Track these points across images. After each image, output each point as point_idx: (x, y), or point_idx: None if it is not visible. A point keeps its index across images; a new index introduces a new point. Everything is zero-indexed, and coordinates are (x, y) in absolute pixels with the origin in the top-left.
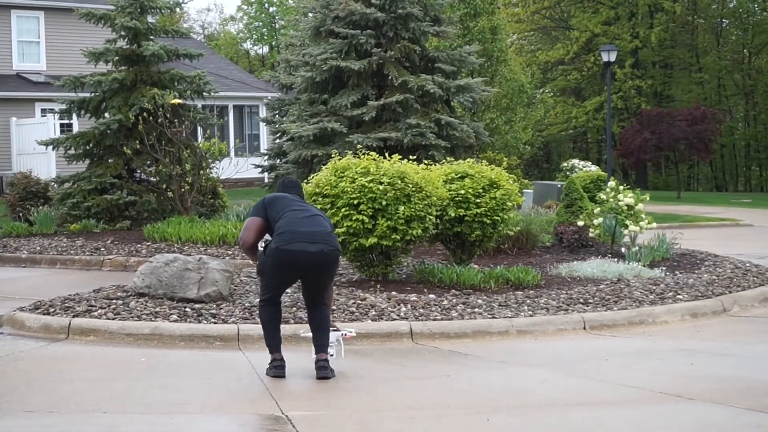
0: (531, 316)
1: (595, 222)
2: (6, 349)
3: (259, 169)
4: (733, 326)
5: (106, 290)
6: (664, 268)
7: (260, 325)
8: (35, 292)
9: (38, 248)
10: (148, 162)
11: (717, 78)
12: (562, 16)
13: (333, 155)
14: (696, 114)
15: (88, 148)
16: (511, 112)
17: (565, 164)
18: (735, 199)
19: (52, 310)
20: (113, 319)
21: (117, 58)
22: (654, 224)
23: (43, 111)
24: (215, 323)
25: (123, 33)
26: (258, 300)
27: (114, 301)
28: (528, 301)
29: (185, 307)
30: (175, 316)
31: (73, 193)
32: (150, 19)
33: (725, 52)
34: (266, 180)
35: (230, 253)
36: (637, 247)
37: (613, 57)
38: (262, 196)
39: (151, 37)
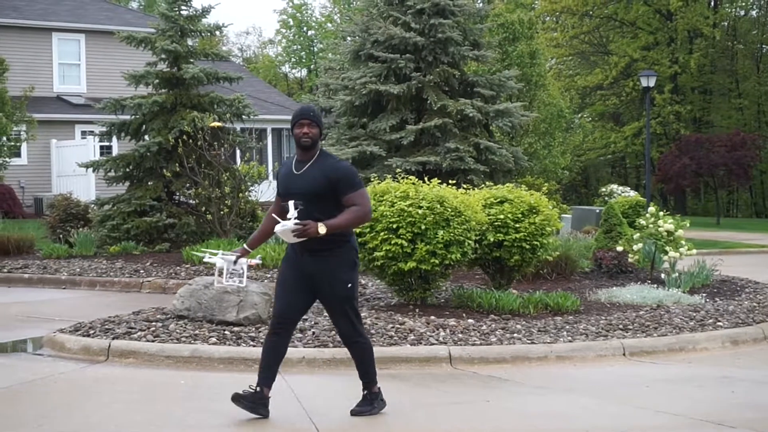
0: (570, 341)
1: (635, 248)
2: (46, 370)
3: None
4: None
5: (145, 312)
6: (704, 294)
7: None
8: (75, 313)
9: (78, 270)
10: (188, 185)
11: (757, 104)
12: (600, 41)
13: (372, 179)
14: (735, 140)
15: (127, 170)
16: (550, 137)
17: (603, 189)
18: None
19: (91, 331)
20: (153, 341)
21: (157, 80)
22: (694, 250)
23: (83, 133)
24: (254, 346)
25: (163, 56)
26: (359, 330)
27: (153, 323)
28: (567, 327)
29: (224, 330)
30: (214, 339)
31: (112, 215)
32: (190, 42)
33: (765, 78)
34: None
35: (269, 276)
36: (676, 273)
37: (652, 82)
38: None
39: (191, 60)
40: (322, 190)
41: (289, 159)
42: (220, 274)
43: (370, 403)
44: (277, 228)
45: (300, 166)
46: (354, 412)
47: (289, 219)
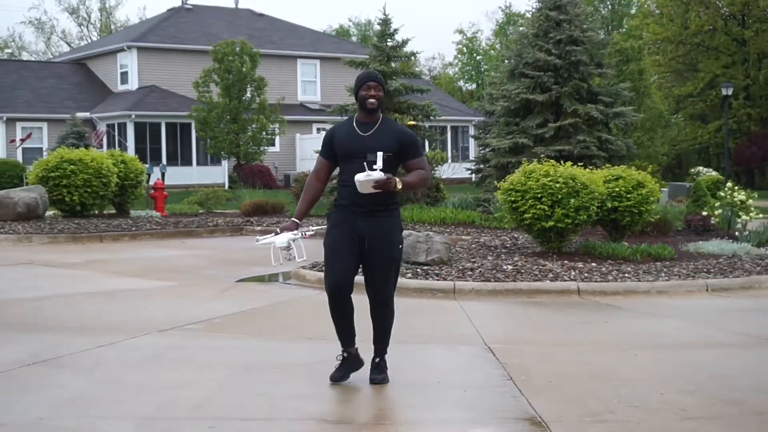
0: (667, 280)
1: (716, 213)
2: (292, 295)
3: (469, 171)
4: None
5: None
6: None
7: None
8: (313, 255)
9: (316, 225)
10: None
11: None
12: (691, 62)
13: (523, 162)
14: None
15: None
16: (653, 132)
17: (692, 170)
18: None
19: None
20: None
21: None
22: (760, 215)
23: (318, 129)
24: (438, 280)
25: None
26: (393, 294)
27: None
28: (665, 270)
29: (417, 269)
30: (409, 274)
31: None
32: (393, 64)
33: None
34: (473, 179)
35: (448, 230)
36: (747, 232)
37: (730, 91)
38: (471, 191)
39: (394, 77)
40: (392, 152)
41: (343, 123)
42: (286, 250)
43: (384, 371)
44: (361, 176)
45: (366, 128)
46: (376, 380)
47: (375, 169)
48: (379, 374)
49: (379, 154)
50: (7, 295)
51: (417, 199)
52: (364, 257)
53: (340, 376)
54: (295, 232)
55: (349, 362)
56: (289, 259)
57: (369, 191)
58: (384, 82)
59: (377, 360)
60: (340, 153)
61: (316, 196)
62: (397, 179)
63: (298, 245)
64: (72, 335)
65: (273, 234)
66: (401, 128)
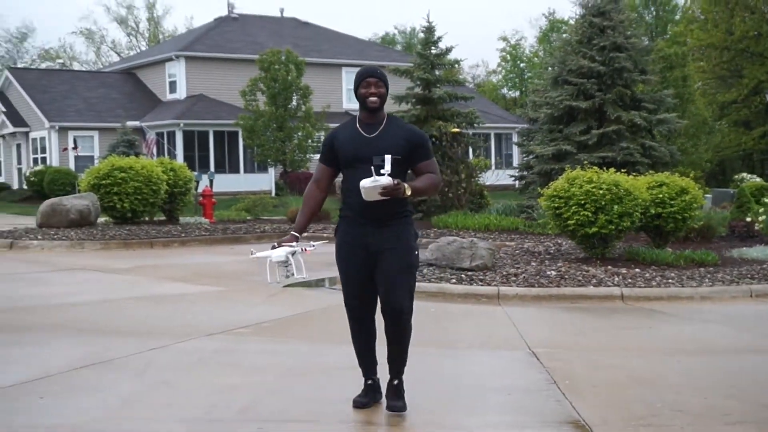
0: (711, 286)
1: (760, 219)
2: (340, 299)
3: (513, 178)
4: None
5: None
6: None
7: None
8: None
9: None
10: None
11: None
12: (736, 67)
13: (566, 169)
14: None
15: None
16: (696, 139)
17: (736, 176)
18: None
19: None
20: None
21: (414, 100)
22: None
23: None
24: (482, 285)
25: (418, 82)
26: (412, 309)
27: None
28: (708, 275)
29: (461, 274)
30: (454, 280)
31: None
32: (437, 72)
33: None
34: (517, 186)
35: (492, 237)
36: None
37: None
38: (514, 197)
39: (438, 85)
40: (401, 154)
41: (345, 124)
42: (284, 265)
43: (402, 396)
44: (366, 182)
45: (371, 129)
46: (396, 408)
47: (383, 174)
48: (398, 401)
49: (387, 158)
50: (61, 299)
51: (461, 206)
52: (378, 268)
53: (364, 402)
54: (294, 245)
55: (374, 389)
56: (287, 276)
57: (375, 198)
58: (386, 76)
59: (395, 382)
60: (343, 158)
61: (317, 207)
62: (406, 185)
63: (297, 260)
64: (123, 339)
65: (271, 248)
66: (410, 127)
